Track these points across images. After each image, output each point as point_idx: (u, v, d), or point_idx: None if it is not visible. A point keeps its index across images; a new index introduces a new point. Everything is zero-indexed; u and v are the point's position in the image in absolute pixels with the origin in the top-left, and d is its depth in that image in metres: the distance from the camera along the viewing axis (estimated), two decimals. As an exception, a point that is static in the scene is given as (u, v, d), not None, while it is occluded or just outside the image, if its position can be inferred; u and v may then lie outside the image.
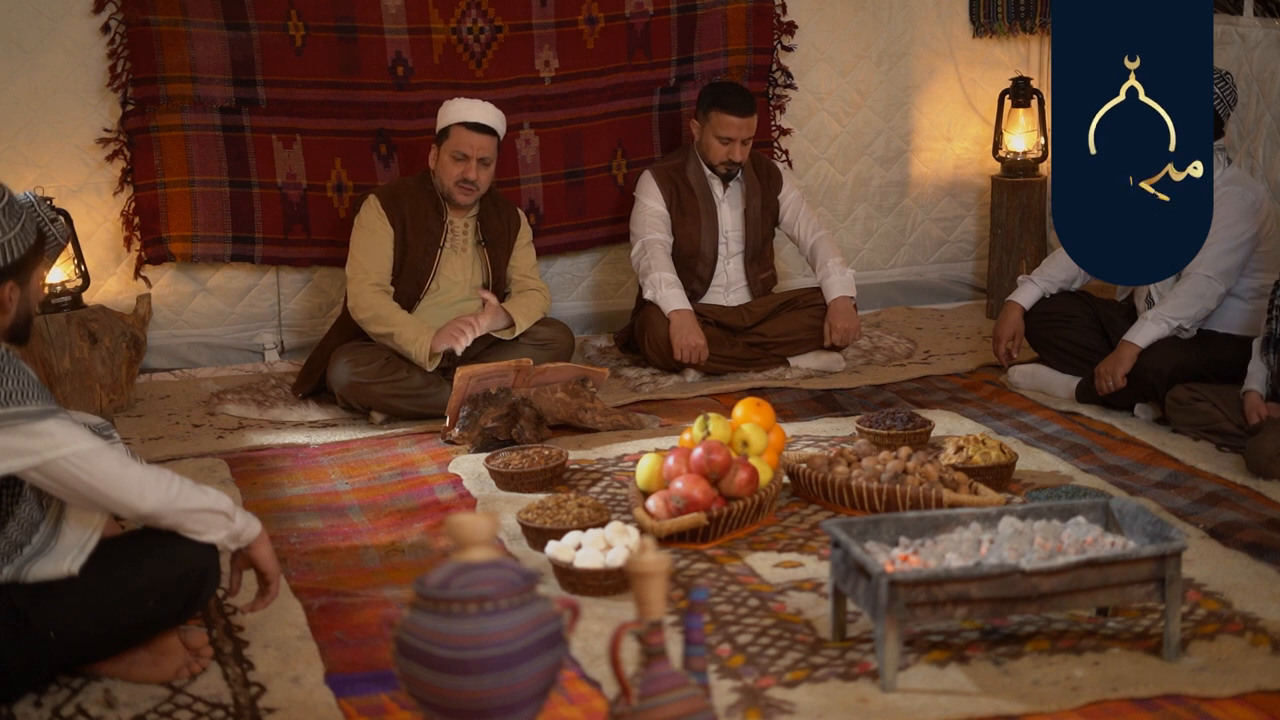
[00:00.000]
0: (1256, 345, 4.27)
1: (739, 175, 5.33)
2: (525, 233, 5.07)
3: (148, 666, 2.96)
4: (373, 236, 4.81)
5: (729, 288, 5.38)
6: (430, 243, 4.84)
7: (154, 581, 2.89)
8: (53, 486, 2.77)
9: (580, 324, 5.75)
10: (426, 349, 4.65)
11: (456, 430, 4.41)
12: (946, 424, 4.53)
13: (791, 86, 5.94)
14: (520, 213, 5.10)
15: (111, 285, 5.26)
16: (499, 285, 4.96)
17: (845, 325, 5.15)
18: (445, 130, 4.82)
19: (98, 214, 5.23)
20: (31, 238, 2.84)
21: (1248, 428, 4.16)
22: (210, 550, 3.03)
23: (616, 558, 3.33)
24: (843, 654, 3.03)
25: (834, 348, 5.21)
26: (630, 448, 4.38)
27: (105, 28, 5.10)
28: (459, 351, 4.69)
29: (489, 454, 4.17)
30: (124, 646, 2.94)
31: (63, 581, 2.81)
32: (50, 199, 4.46)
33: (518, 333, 4.82)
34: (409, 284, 4.82)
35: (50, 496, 2.86)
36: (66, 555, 2.83)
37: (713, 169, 5.25)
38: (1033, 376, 4.91)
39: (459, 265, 4.90)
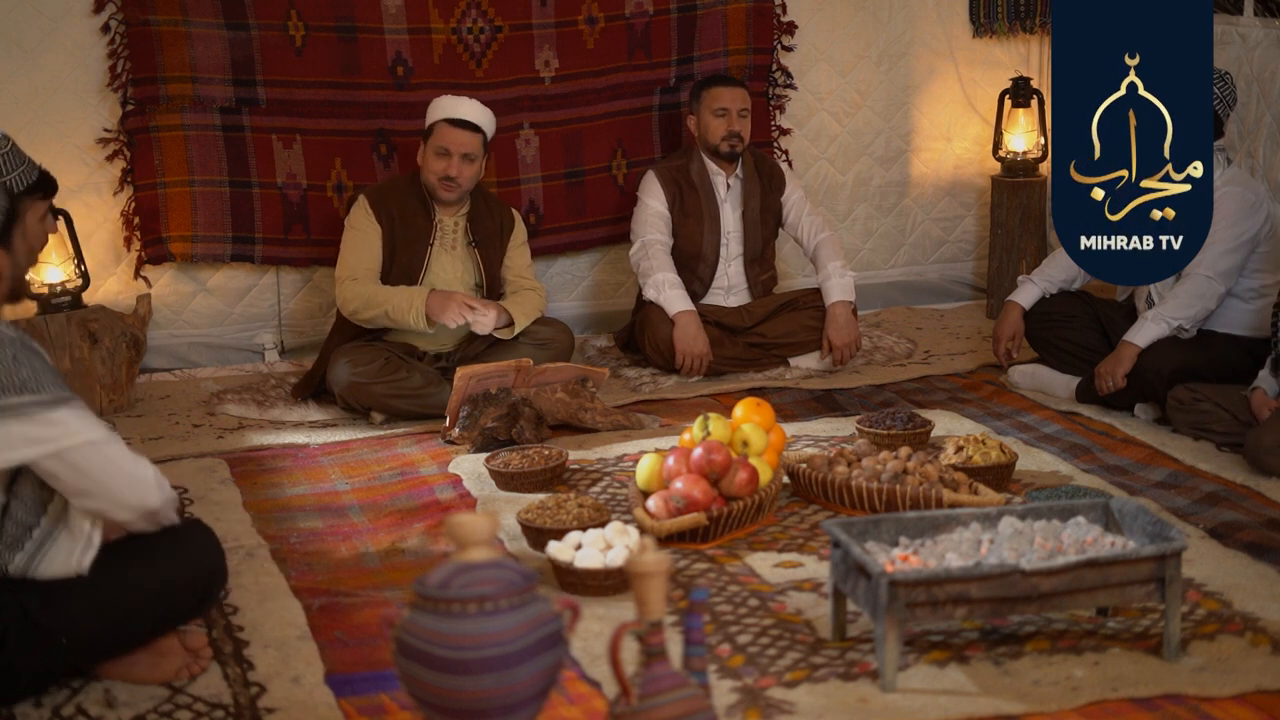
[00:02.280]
0: (1267, 364, 4.26)
1: (740, 172, 5.33)
2: (520, 232, 5.07)
3: (147, 668, 2.95)
4: (361, 236, 4.83)
5: (730, 290, 5.38)
6: (419, 241, 4.85)
7: (165, 584, 2.90)
8: (64, 476, 2.75)
9: (580, 324, 5.75)
10: (422, 312, 4.67)
11: (456, 430, 4.41)
12: (946, 424, 4.53)
13: (791, 86, 5.94)
14: (514, 212, 5.10)
15: (111, 285, 5.26)
16: (493, 285, 4.96)
17: (842, 341, 5.15)
18: (431, 127, 4.83)
19: (98, 214, 5.23)
20: (2, 203, 2.83)
21: (1255, 424, 4.16)
22: (218, 550, 3.04)
23: (616, 558, 3.33)
24: (843, 654, 3.03)
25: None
26: (630, 448, 4.38)
27: (105, 28, 5.11)
28: (451, 326, 4.71)
29: (489, 454, 4.17)
30: (133, 648, 2.94)
31: (74, 586, 2.81)
32: None
33: (516, 331, 4.82)
34: (400, 283, 4.82)
35: None
36: (75, 548, 2.82)
37: (717, 151, 5.25)
38: (1033, 376, 4.91)
39: (449, 264, 4.90)
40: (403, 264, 4.83)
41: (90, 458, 2.75)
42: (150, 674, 2.95)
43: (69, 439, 2.73)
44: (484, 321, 4.73)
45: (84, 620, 2.82)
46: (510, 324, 4.81)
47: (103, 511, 2.82)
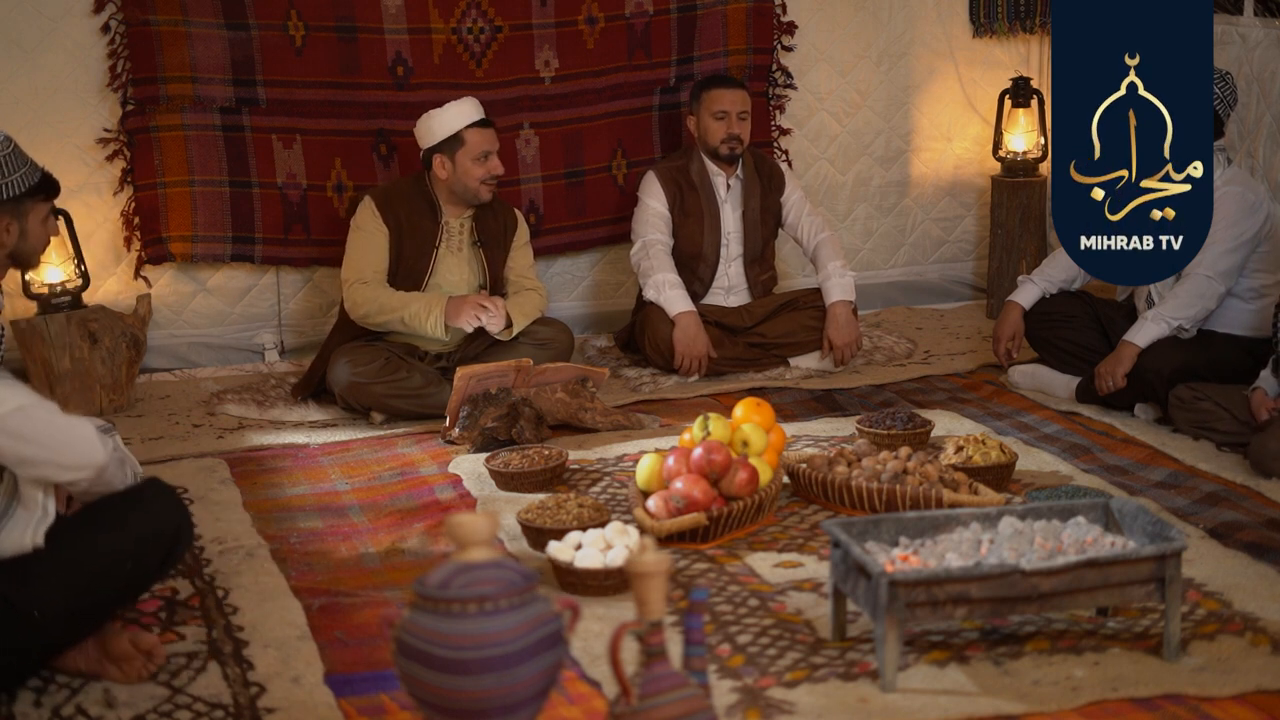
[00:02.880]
0: (1269, 365, 4.26)
1: (740, 173, 5.33)
2: (522, 233, 5.07)
3: (110, 671, 2.95)
4: (368, 238, 4.82)
5: (730, 290, 5.38)
6: (426, 243, 4.85)
7: (128, 545, 2.89)
8: (4, 447, 2.74)
9: (580, 324, 5.75)
10: (441, 320, 4.68)
11: (456, 430, 4.41)
12: (946, 424, 4.53)
13: (791, 86, 5.94)
14: (517, 213, 5.10)
15: (111, 285, 5.26)
16: (496, 286, 4.96)
17: (843, 340, 5.15)
18: (456, 137, 4.80)
19: (98, 214, 5.23)
20: (33, 179, 2.91)
21: (1255, 424, 4.16)
22: (179, 506, 3.03)
23: (616, 558, 3.33)
24: (843, 654, 3.03)
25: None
26: (630, 448, 4.37)
27: (105, 28, 5.11)
28: (468, 329, 4.73)
29: (489, 454, 4.17)
30: (108, 616, 2.93)
31: (36, 560, 2.80)
32: None
33: (515, 333, 4.82)
34: (406, 285, 4.82)
35: None
36: (31, 520, 2.81)
37: (716, 154, 5.25)
38: (1033, 376, 4.91)
39: (455, 265, 4.90)
40: (409, 265, 4.83)
41: (26, 422, 2.74)
42: (113, 676, 2.95)
43: (2, 406, 2.72)
44: (496, 321, 4.74)
45: (53, 593, 2.80)
46: (509, 325, 4.81)
47: (49, 477, 2.81)
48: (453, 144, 4.81)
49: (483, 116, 4.85)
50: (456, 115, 4.82)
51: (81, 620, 2.90)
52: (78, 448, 2.81)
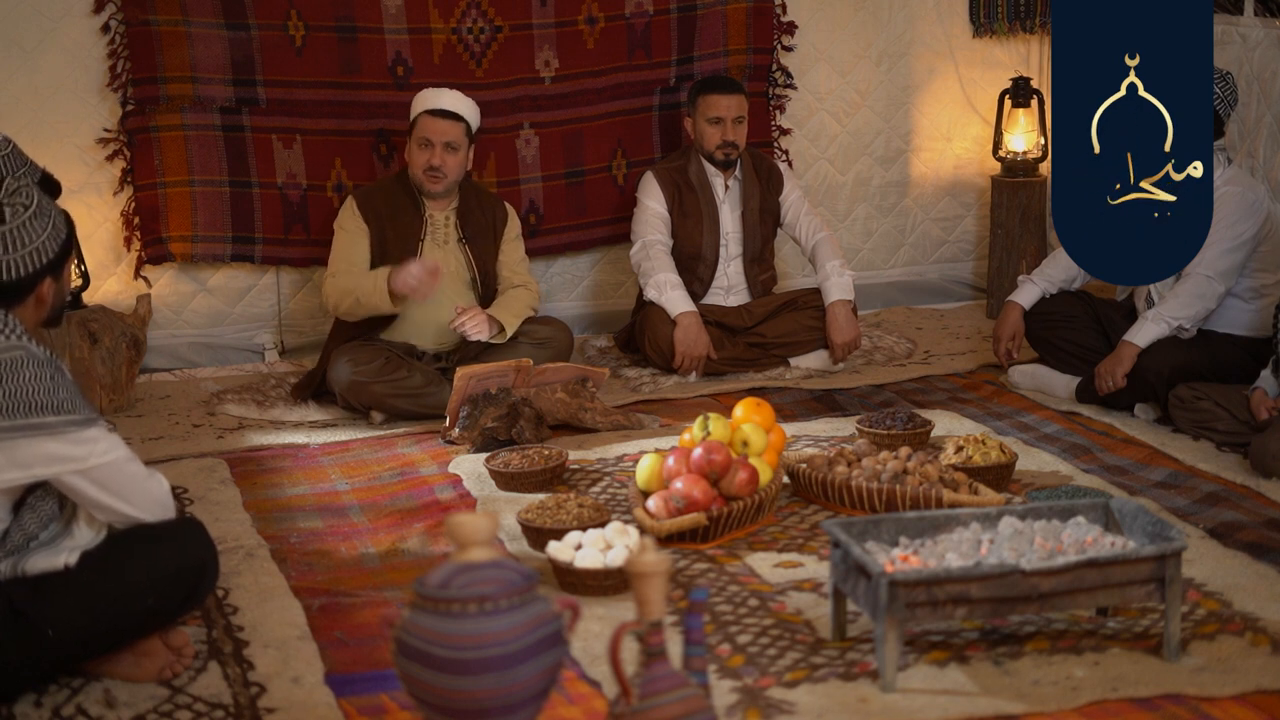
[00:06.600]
0: (1269, 365, 4.26)
1: (738, 173, 5.33)
2: (513, 226, 5.06)
3: (129, 667, 2.95)
4: (348, 237, 4.84)
5: (729, 290, 5.38)
6: (410, 237, 4.85)
7: (152, 577, 2.90)
8: (86, 491, 2.83)
9: (580, 324, 5.75)
10: (384, 287, 4.63)
11: (456, 430, 4.41)
12: (946, 424, 4.53)
13: (791, 86, 5.94)
14: (507, 206, 5.10)
15: (111, 285, 5.26)
16: (487, 281, 4.95)
17: (844, 340, 5.15)
18: (414, 121, 4.84)
19: (98, 214, 5.23)
20: (62, 233, 2.90)
21: (1255, 423, 4.17)
22: (208, 544, 3.04)
23: (616, 558, 3.33)
24: (843, 654, 3.03)
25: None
26: (630, 448, 4.37)
27: (105, 28, 5.11)
28: (411, 284, 4.61)
29: (489, 454, 4.17)
30: (123, 643, 2.94)
31: (61, 580, 2.82)
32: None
33: (510, 334, 4.81)
34: None
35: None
36: (64, 549, 2.85)
37: (712, 159, 5.25)
38: (1033, 376, 4.91)
39: (442, 258, 4.88)
40: (394, 261, 4.83)
41: (115, 474, 2.85)
42: (132, 674, 2.95)
43: (98, 458, 2.82)
44: (479, 329, 4.73)
45: (70, 614, 2.82)
46: (501, 330, 4.80)
47: (113, 519, 2.89)
48: (411, 127, 4.85)
49: (441, 106, 4.82)
50: (422, 100, 4.88)
51: (95, 643, 2.90)
52: (150, 507, 2.91)
